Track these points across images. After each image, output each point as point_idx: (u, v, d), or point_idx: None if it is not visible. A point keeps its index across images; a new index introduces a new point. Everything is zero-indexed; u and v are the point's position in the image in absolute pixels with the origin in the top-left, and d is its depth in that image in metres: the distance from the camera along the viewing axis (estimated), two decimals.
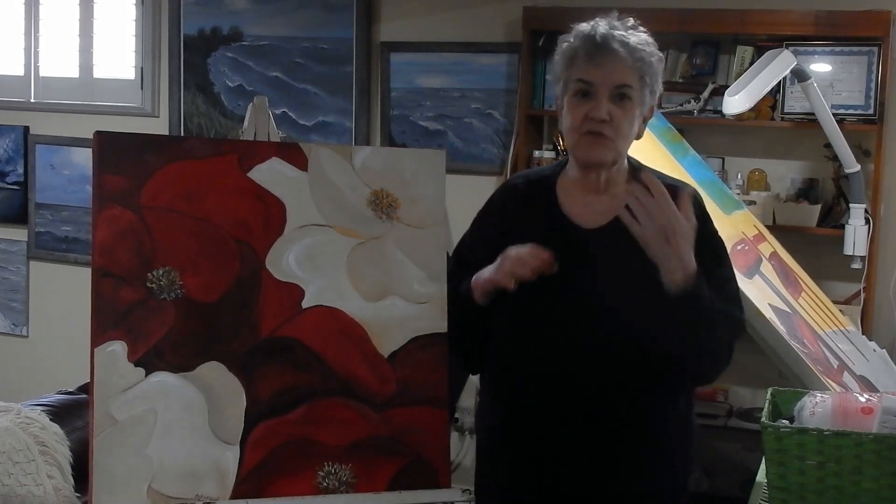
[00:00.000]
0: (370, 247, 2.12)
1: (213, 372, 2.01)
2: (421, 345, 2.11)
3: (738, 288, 2.22)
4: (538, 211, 2.17)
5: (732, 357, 2.16)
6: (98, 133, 2.03)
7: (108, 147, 2.03)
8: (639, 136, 2.15)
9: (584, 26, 2.11)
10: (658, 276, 2.00)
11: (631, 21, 2.13)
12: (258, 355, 2.03)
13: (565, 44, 2.12)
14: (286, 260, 2.07)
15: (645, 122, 2.15)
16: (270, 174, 2.09)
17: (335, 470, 2.04)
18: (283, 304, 2.05)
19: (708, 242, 2.15)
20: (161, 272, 2.01)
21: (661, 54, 2.14)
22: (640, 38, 2.10)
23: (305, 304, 2.07)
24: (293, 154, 2.12)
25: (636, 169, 2.19)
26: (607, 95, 2.06)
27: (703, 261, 2.08)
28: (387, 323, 2.10)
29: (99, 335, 1.96)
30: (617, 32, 2.08)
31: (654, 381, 2.09)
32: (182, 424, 1.98)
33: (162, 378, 1.99)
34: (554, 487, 2.13)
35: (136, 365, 1.98)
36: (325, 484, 2.04)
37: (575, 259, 2.10)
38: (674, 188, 2.16)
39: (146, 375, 1.98)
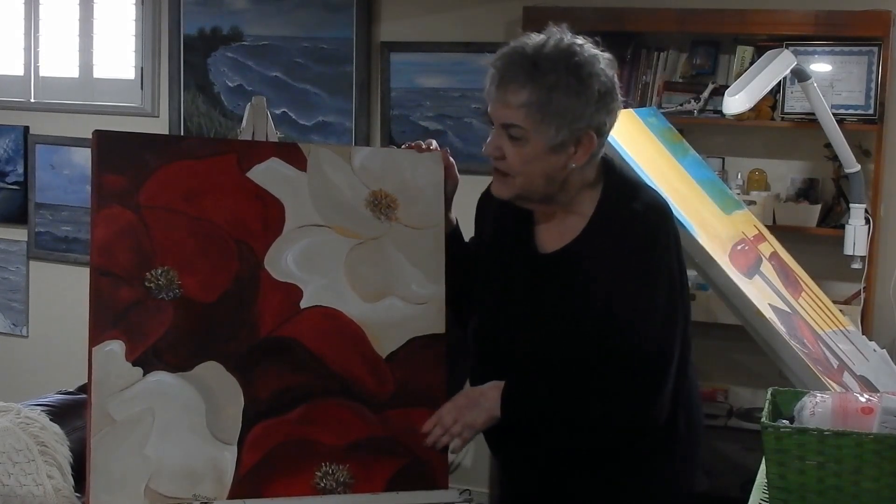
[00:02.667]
0: (369, 247, 2.12)
1: (212, 372, 2.00)
2: (419, 346, 2.11)
3: (662, 321, 2.02)
4: (514, 220, 2.14)
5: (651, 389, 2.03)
6: (97, 132, 2.03)
7: (107, 146, 2.03)
8: (576, 165, 2.00)
9: (514, 43, 2.00)
10: (594, 308, 1.99)
11: (579, 42, 1.98)
12: (256, 355, 2.03)
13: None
14: (285, 260, 2.06)
15: (586, 153, 1.99)
16: (269, 174, 2.09)
17: (333, 470, 2.04)
18: (281, 304, 2.05)
19: (629, 268, 2.01)
20: (160, 272, 2.01)
21: (601, 78, 1.96)
22: (555, 66, 1.94)
23: (304, 304, 2.07)
24: (292, 154, 2.12)
25: (611, 187, 2.08)
26: (498, 128, 1.99)
27: (626, 288, 1.99)
28: (385, 323, 2.09)
29: (97, 334, 1.96)
30: (527, 64, 1.94)
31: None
32: (180, 424, 1.98)
33: (160, 378, 1.98)
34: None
35: (135, 364, 1.97)
36: (322, 484, 2.03)
37: (525, 283, 2.09)
38: (634, 216, 2.05)
39: (144, 375, 1.97)
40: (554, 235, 2.09)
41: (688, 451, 2.20)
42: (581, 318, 2.01)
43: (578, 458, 2.09)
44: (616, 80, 2.03)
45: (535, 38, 2.00)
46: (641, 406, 2.02)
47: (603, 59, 2.01)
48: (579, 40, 2.00)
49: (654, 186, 2.17)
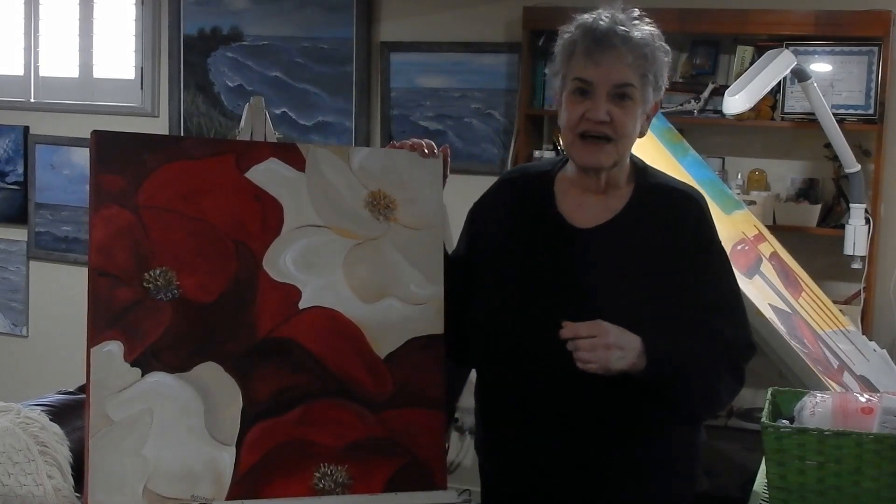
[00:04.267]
0: (367, 248, 2.11)
1: (210, 372, 2.00)
2: (418, 346, 2.10)
3: (742, 303, 2.13)
4: (533, 208, 2.14)
5: (744, 378, 2.08)
6: (95, 132, 2.02)
7: (106, 146, 2.02)
8: (642, 134, 2.09)
9: (586, 18, 2.04)
10: (654, 276, 2.01)
11: (636, 12, 2.05)
12: (255, 356, 2.02)
13: (566, 35, 2.05)
14: (283, 260, 2.06)
15: (649, 119, 2.09)
16: (268, 174, 2.08)
17: (331, 471, 2.03)
18: (280, 304, 2.04)
19: (710, 258, 2.09)
20: (158, 272, 2.00)
21: (667, 47, 2.06)
22: (644, 31, 2.02)
23: (302, 304, 2.06)
24: (291, 154, 2.11)
25: (639, 168, 2.15)
26: (606, 95, 2.00)
27: (706, 282, 2.05)
28: (384, 324, 2.08)
29: (95, 335, 1.95)
30: (619, 28, 2.00)
31: (648, 387, 2.02)
32: (178, 425, 1.97)
33: (158, 378, 1.97)
34: (541, 499, 2.11)
35: (133, 365, 1.96)
36: (321, 485, 2.03)
37: (568, 259, 2.07)
38: (677, 192, 2.13)
39: (142, 375, 1.97)
40: (590, 214, 2.10)
41: (701, 453, 2.20)
42: (637, 285, 2.01)
43: (593, 462, 2.08)
44: None
45: (602, 12, 2.04)
46: (742, 378, 2.08)
47: None
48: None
49: None
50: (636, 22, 2.03)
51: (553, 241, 2.10)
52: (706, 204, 2.15)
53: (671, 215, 2.09)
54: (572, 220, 2.11)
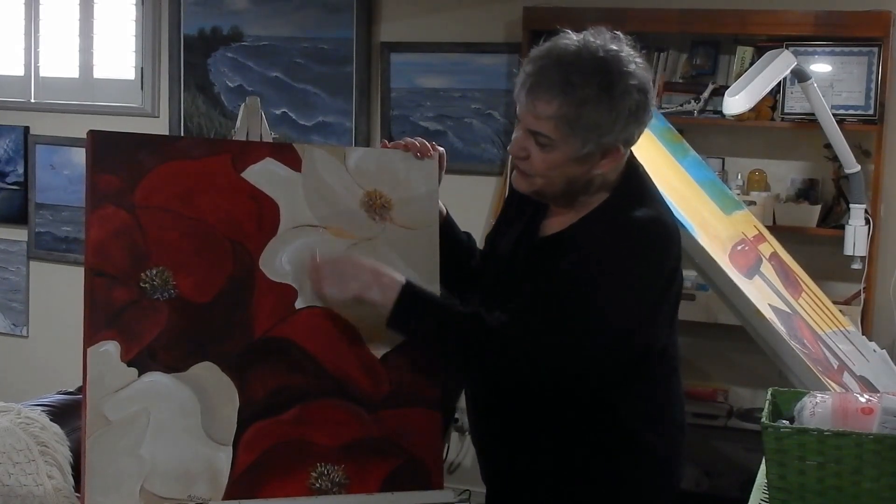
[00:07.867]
0: (363, 248, 2.11)
1: (206, 372, 1.99)
2: (414, 346, 2.09)
3: (597, 328, 1.93)
4: (531, 205, 2.14)
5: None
6: (92, 132, 2.02)
7: (102, 146, 2.02)
8: (601, 172, 1.98)
9: (537, 51, 1.97)
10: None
11: (605, 48, 1.92)
12: (251, 356, 2.02)
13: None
14: (279, 260, 2.05)
15: (606, 157, 1.96)
16: (264, 174, 2.08)
17: (328, 471, 2.03)
18: (276, 304, 2.04)
19: (567, 275, 1.95)
20: (154, 272, 2.00)
21: (636, 85, 1.92)
22: (587, 81, 1.89)
23: (298, 304, 2.06)
24: (287, 155, 2.11)
25: (627, 192, 2.03)
26: (525, 131, 1.98)
27: (551, 288, 1.95)
28: (380, 324, 2.08)
29: (92, 335, 1.95)
30: (555, 73, 1.90)
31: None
32: (175, 425, 1.96)
33: (155, 378, 1.97)
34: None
35: (129, 365, 1.96)
36: (317, 485, 2.02)
37: (513, 266, 2.10)
38: (625, 220, 2.00)
39: (139, 375, 1.96)
40: (555, 223, 2.09)
41: (670, 474, 2.19)
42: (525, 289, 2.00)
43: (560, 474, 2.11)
44: (650, 86, 1.99)
45: (571, 43, 1.94)
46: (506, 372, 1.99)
47: (639, 70, 1.96)
48: (615, 46, 1.95)
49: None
50: (609, 69, 1.91)
51: (520, 245, 2.12)
52: (660, 240, 2.00)
53: (600, 242, 1.97)
54: (543, 226, 2.11)
